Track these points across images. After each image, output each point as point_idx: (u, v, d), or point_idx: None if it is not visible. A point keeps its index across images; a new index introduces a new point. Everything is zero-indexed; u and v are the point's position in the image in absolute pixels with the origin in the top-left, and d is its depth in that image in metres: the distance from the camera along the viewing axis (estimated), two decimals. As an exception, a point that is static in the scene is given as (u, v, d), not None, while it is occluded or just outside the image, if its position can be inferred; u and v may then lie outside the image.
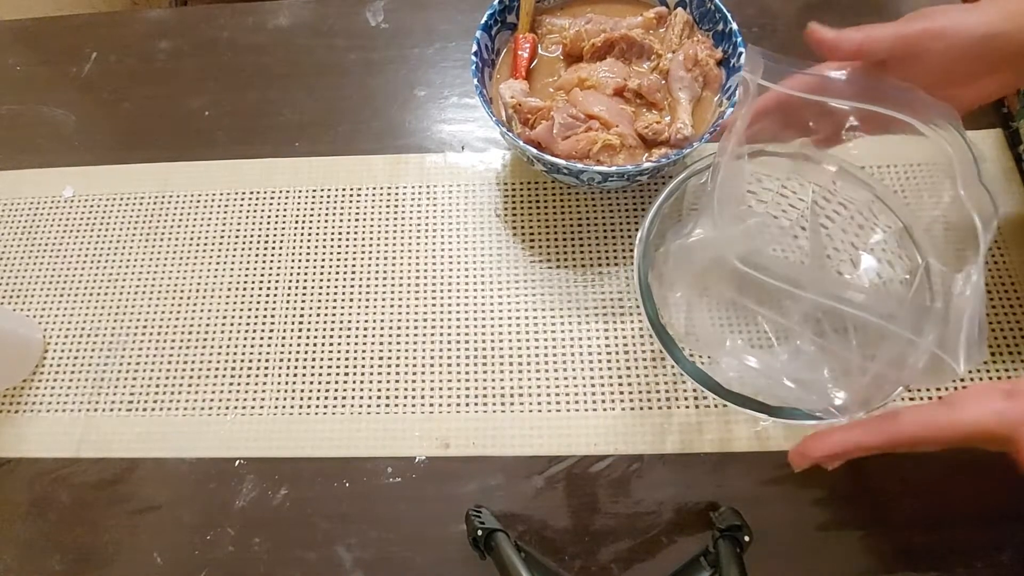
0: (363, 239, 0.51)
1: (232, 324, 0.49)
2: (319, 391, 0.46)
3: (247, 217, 0.52)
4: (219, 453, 0.45)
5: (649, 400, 0.44)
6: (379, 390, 0.46)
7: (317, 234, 0.51)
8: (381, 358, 0.47)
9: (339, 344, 0.47)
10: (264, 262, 0.51)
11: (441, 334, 0.47)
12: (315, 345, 0.48)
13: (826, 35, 0.34)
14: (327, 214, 0.52)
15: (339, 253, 0.51)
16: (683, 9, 0.48)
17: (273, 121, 0.57)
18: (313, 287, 0.49)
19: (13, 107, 0.59)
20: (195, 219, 0.53)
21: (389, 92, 0.57)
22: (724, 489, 0.42)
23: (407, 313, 0.48)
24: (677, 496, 0.42)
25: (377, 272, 0.50)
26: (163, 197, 0.54)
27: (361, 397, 0.46)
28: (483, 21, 0.47)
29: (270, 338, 0.48)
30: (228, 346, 0.48)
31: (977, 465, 0.41)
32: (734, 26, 0.45)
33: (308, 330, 0.48)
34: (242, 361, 0.47)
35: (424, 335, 0.47)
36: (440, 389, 0.46)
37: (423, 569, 0.42)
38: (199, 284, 0.50)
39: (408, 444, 0.44)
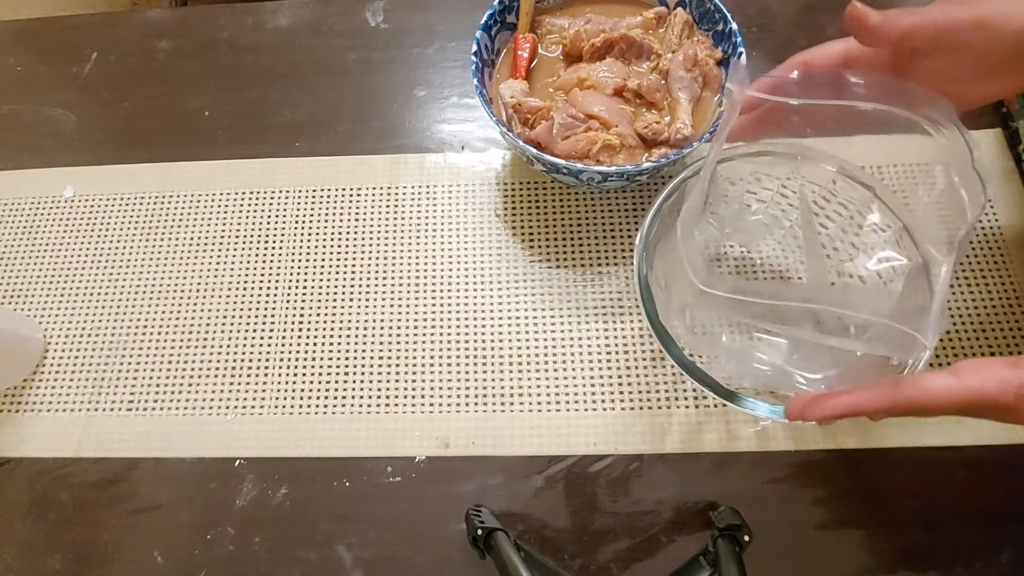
0: (363, 239, 0.51)
1: (232, 324, 0.49)
2: (319, 391, 0.46)
3: (247, 217, 0.53)
4: (219, 453, 0.45)
5: (649, 400, 0.44)
6: (379, 390, 0.46)
7: (317, 234, 0.51)
8: (381, 358, 0.47)
9: (339, 344, 0.47)
10: (264, 262, 0.51)
11: (441, 334, 0.47)
12: (315, 345, 0.48)
13: (871, 19, 0.32)
14: (327, 214, 0.52)
15: (339, 253, 0.51)
16: (683, 9, 0.48)
17: (273, 121, 0.57)
18: (313, 287, 0.50)
19: (13, 107, 0.59)
20: (195, 219, 0.53)
21: (389, 92, 0.57)
22: (724, 489, 0.42)
23: (407, 313, 0.48)
24: (677, 495, 0.42)
25: (377, 272, 0.50)
26: (163, 197, 0.54)
27: (361, 397, 0.46)
28: (483, 21, 0.47)
29: (270, 338, 0.48)
30: (228, 346, 0.48)
31: (977, 465, 0.42)
32: (734, 26, 0.45)
33: (308, 330, 0.48)
34: (242, 361, 0.47)
35: (424, 335, 0.47)
36: (440, 389, 0.46)
37: (423, 569, 0.42)
38: (199, 284, 0.50)
39: (408, 444, 0.44)
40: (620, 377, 0.45)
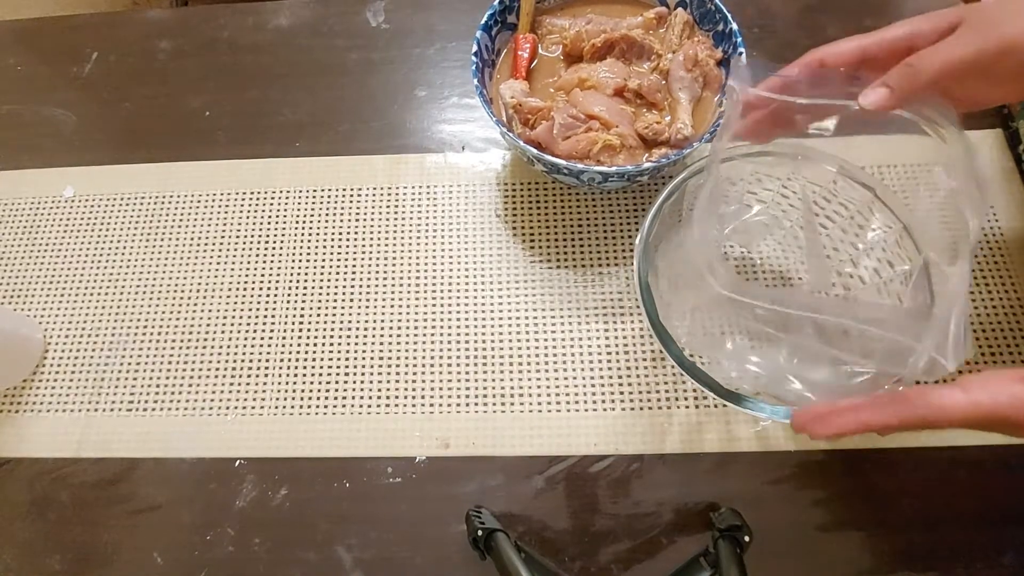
0: (363, 239, 0.51)
1: (232, 324, 0.49)
2: (319, 391, 0.46)
3: (247, 217, 0.52)
4: (219, 453, 0.45)
5: (649, 400, 0.44)
6: (379, 390, 0.46)
7: (317, 234, 0.51)
8: (381, 358, 0.47)
9: (339, 344, 0.47)
10: (264, 262, 0.51)
11: (441, 334, 0.47)
12: (315, 345, 0.48)
13: (892, 82, 0.32)
14: (327, 214, 0.52)
15: (339, 253, 0.51)
16: (683, 9, 0.48)
17: (273, 121, 0.57)
18: (313, 287, 0.50)
19: (13, 107, 0.59)
20: (195, 219, 0.53)
21: (389, 92, 0.57)
22: (724, 489, 0.42)
23: (407, 313, 0.48)
24: (677, 496, 0.42)
25: (377, 272, 0.50)
26: (163, 197, 0.54)
27: (361, 397, 0.46)
28: (483, 21, 0.47)
29: (270, 338, 0.48)
30: (228, 346, 0.48)
31: (978, 466, 0.42)
32: (734, 26, 0.45)
33: (308, 330, 0.48)
34: (242, 361, 0.47)
35: (424, 335, 0.47)
36: (440, 389, 0.46)
37: (423, 569, 0.42)
38: (199, 284, 0.50)
39: (408, 444, 0.44)
40: (620, 377, 0.45)
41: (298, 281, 0.50)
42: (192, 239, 0.52)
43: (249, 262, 0.51)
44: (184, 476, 0.45)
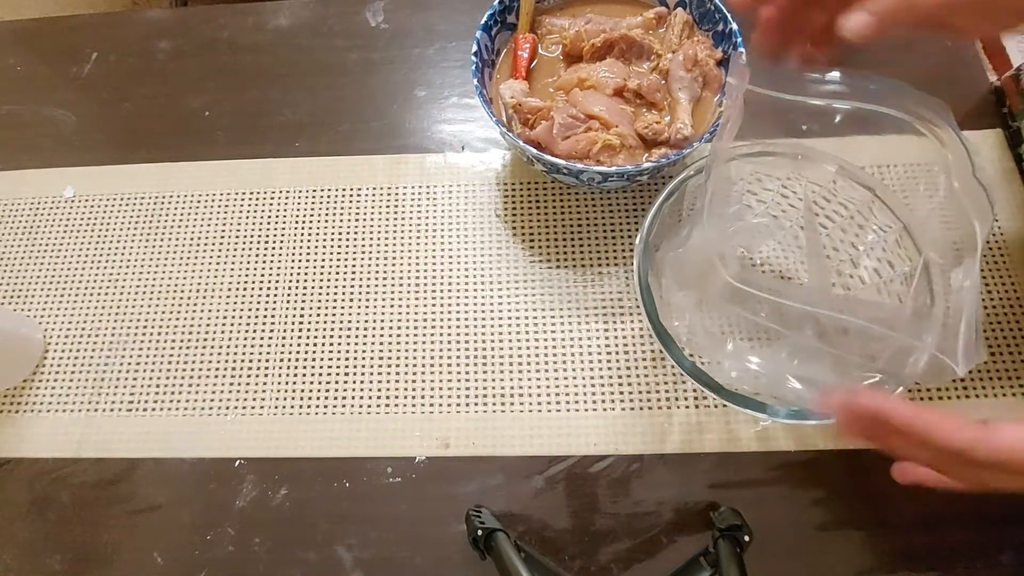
0: (363, 239, 0.51)
1: (232, 324, 0.49)
2: (319, 391, 0.46)
3: (247, 217, 0.52)
4: (219, 453, 0.45)
5: (649, 400, 0.44)
6: (379, 390, 0.46)
7: (317, 234, 0.51)
8: (381, 358, 0.47)
9: (339, 344, 0.47)
10: (264, 262, 0.51)
11: (441, 334, 0.47)
12: (315, 345, 0.48)
13: (879, 8, 0.30)
14: (327, 214, 0.52)
15: (339, 253, 0.51)
16: (683, 9, 0.48)
17: (273, 121, 0.57)
18: (313, 287, 0.50)
19: (13, 107, 0.59)
20: (195, 219, 0.53)
21: (389, 92, 0.57)
22: (724, 489, 0.42)
23: (407, 313, 0.48)
24: (677, 496, 0.42)
25: (377, 272, 0.50)
26: (163, 197, 0.54)
27: (361, 397, 0.46)
28: (483, 21, 0.47)
29: (270, 338, 0.48)
30: (228, 346, 0.48)
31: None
32: (734, 26, 0.45)
33: (308, 330, 0.48)
34: (242, 361, 0.47)
35: (424, 335, 0.47)
36: (440, 389, 0.46)
37: (423, 569, 0.42)
38: (199, 284, 0.50)
39: (408, 444, 0.44)
40: (620, 377, 0.45)
41: (298, 281, 0.50)
42: (192, 239, 0.52)
43: (249, 262, 0.51)
44: (184, 476, 0.45)
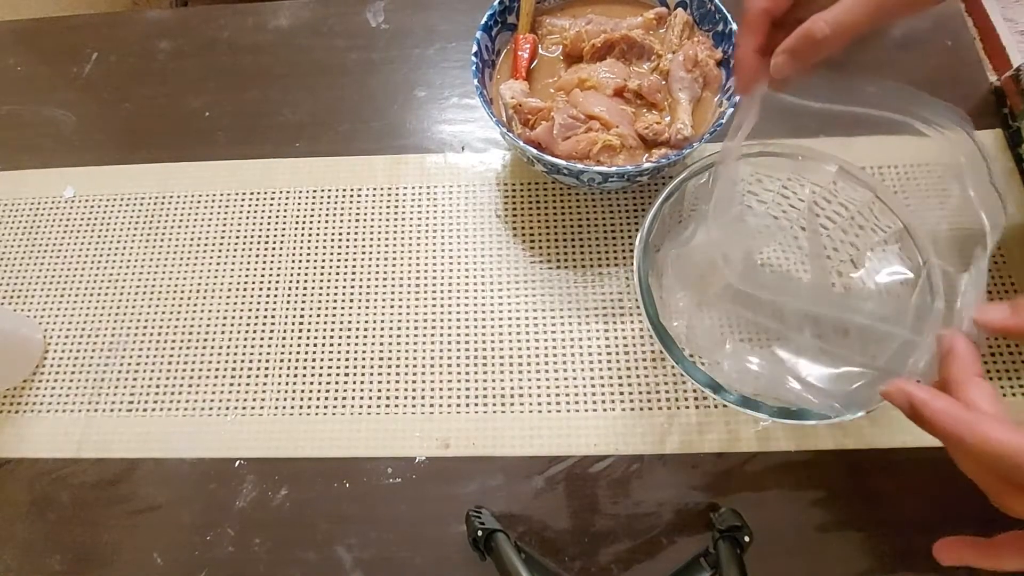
0: (363, 240, 0.51)
1: (232, 324, 0.49)
2: (319, 391, 0.46)
3: (247, 217, 0.52)
4: (219, 453, 0.45)
5: (649, 400, 0.44)
6: (379, 390, 0.46)
7: (317, 235, 0.51)
8: (381, 358, 0.47)
9: (339, 344, 0.47)
10: (264, 263, 0.51)
11: (441, 334, 0.47)
12: (315, 345, 0.48)
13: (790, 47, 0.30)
14: (327, 215, 0.52)
15: (339, 254, 0.51)
16: (683, 10, 0.48)
17: (273, 121, 0.57)
18: (313, 287, 0.50)
19: (13, 107, 0.59)
20: (195, 219, 0.53)
21: (389, 92, 0.57)
22: (724, 489, 0.42)
23: (407, 313, 0.48)
24: (677, 496, 0.42)
25: (377, 272, 0.50)
26: (163, 197, 0.54)
27: (361, 397, 0.46)
28: (483, 22, 0.47)
29: (270, 338, 0.48)
30: (228, 346, 0.48)
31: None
32: (734, 27, 0.45)
33: (308, 330, 0.48)
34: (242, 361, 0.47)
35: (424, 335, 0.47)
36: (440, 389, 0.46)
37: (423, 569, 0.42)
38: (199, 284, 0.50)
39: (408, 444, 0.44)
40: (620, 378, 0.45)
41: (298, 281, 0.50)
42: (192, 239, 0.52)
43: (249, 262, 0.51)
44: (184, 476, 0.45)
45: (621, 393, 0.45)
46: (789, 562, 0.40)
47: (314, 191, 0.53)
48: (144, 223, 0.53)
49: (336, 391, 0.46)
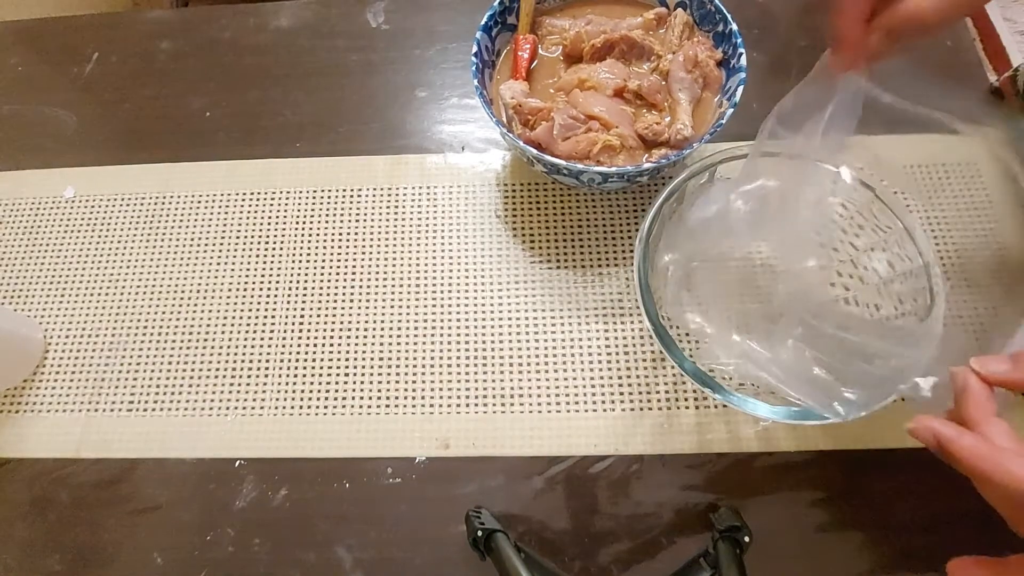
0: (363, 240, 0.51)
1: (232, 324, 0.49)
2: (319, 392, 0.46)
3: (248, 218, 0.53)
4: (219, 453, 0.45)
5: (649, 401, 0.44)
6: (379, 391, 0.46)
7: (317, 235, 0.51)
8: (381, 359, 0.47)
9: (339, 345, 0.47)
10: (264, 263, 0.51)
11: (441, 334, 0.47)
12: (315, 346, 0.48)
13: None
14: (327, 215, 0.52)
15: (339, 254, 0.51)
16: (683, 10, 0.48)
17: (273, 121, 0.57)
18: (313, 288, 0.50)
19: (14, 107, 0.59)
20: (196, 220, 0.53)
21: (390, 93, 0.57)
22: (724, 490, 0.42)
23: (407, 313, 0.48)
24: (677, 497, 0.42)
25: (377, 273, 0.50)
26: (164, 197, 0.54)
27: (361, 398, 0.46)
28: (483, 22, 0.47)
29: (270, 339, 0.48)
30: (228, 346, 0.48)
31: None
32: (734, 27, 0.45)
33: (308, 331, 0.48)
34: (242, 362, 0.47)
35: (424, 335, 0.47)
36: (440, 390, 0.46)
37: (423, 569, 0.42)
38: (200, 284, 0.50)
39: (408, 445, 0.44)
40: (621, 378, 0.45)
41: (298, 281, 0.50)
42: (192, 239, 0.52)
43: (249, 262, 0.51)
44: (184, 476, 0.45)
45: (621, 393, 0.45)
46: (789, 562, 0.40)
47: (314, 191, 0.53)
48: (144, 223, 0.53)
49: (336, 391, 0.46)
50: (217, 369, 0.47)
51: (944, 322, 0.36)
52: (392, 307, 0.48)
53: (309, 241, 0.51)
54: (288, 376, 0.47)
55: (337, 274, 0.50)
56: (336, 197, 0.53)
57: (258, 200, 0.53)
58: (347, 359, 0.47)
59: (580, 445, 0.43)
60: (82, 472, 0.45)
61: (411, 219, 0.51)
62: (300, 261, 0.51)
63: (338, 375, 0.47)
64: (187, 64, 0.60)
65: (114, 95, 0.59)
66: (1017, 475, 0.26)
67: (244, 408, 0.46)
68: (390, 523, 0.43)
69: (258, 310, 0.49)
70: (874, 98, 0.31)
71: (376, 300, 0.49)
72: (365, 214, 0.52)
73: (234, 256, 0.51)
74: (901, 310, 0.39)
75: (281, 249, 0.51)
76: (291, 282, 0.50)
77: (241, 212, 0.53)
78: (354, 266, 0.50)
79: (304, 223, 0.52)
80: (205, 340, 0.48)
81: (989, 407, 0.29)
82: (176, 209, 0.53)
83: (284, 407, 0.46)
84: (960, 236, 0.47)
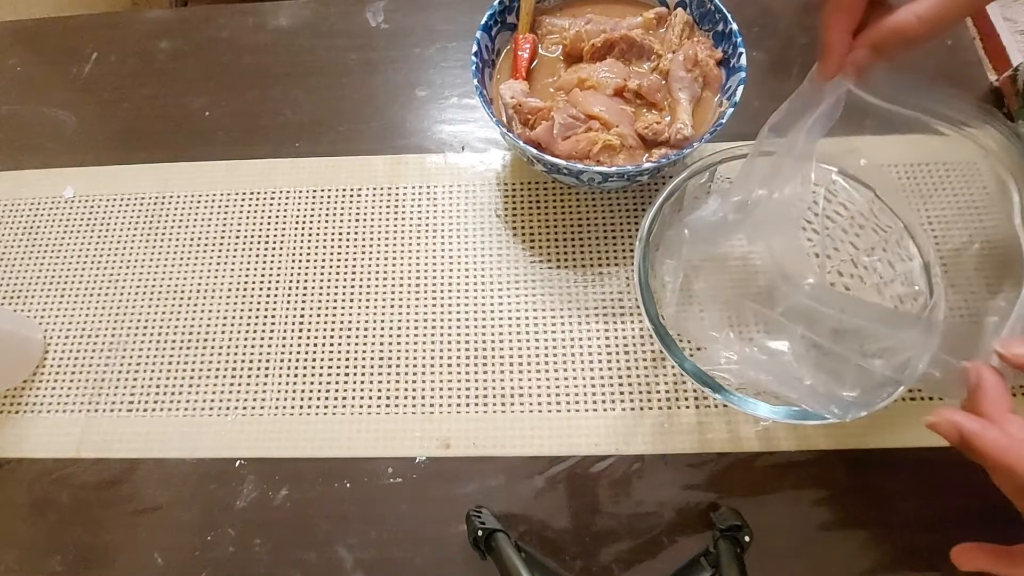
0: (363, 240, 0.51)
1: (232, 324, 0.49)
2: (319, 392, 0.46)
3: (247, 217, 0.52)
4: (219, 453, 0.45)
5: (650, 400, 0.44)
6: (379, 390, 0.46)
7: (317, 235, 0.51)
8: (381, 358, 0.47)
9: (339, 344, 0.47)
10: (264, 263, 0.51)
11: (441, 334, 0.47)
12: (315, 345, 0.48)
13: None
14: (327, 214, 0.52)
15: (339, 254, 0.51)
16: (683, 9, 0.48)
17: (273, 121, 0.57)
18: (313, 288, 0.49)
19: (13, 107, 0.59)
20: (195, 219, 0.53)
21: (389, 92, 0.57)
22: (724, 489, 0.42)
23: (407, 313, 0.48)
24: (678, 496, 0.42)
25: (377, 272, 0.50)
26: (163, 197, 0.54)
27: (361, 397, 0.46)
28: (483, 21, 0.47)
29: (270, 338, 0.48)
30: (228, 346, 0.48)
31: (979, 465, 0.41)
32: (734, 26, 0.45)
33: (308, 330, 0.48)
34: (242, 362, 0.47)
35: (424, 335, 0.47)
36: (441, 389, 0.46)
37: (423, 570, 0.42)
38: (199, 284, 0.50)
39: (409, 444, 0.44)
40: (621, 378, 0.45)
41: (298, 281, 0.50)
42: (192, 239, 0.52)
43: (249, 262, 0.51)
44: (184, 476, 0.45)
45: (621, 393, 0.45)
46: (789, 562, 0.40)
47: (314, 191, 0.53)
48: (144, 223, 0.53)
49: (336, 391, 0.46)
50: (217, 369, 0.47)
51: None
52: (392, 307, 0.48)
53: (309, 241, 0.51)
54: (288, 376, 0.47)
55: (337, 274, 0.50)
56: (336, 197, 0.53)
57: (258, 200, 0.53)
58: (347, 359, 0.47)
59: (581, 445, 0.43)
60: (82, 472, 0.45)
61: (411, 219, 0.51)
62: (300, 261, 0.51)
63: (338, 375, 0.46)
64: (186, 64, 0.60)
65: (113, 95, 0.59)
66: None
67: (244, 408, 0.46)
68: (391, 523, 0.43)
69: (258, 310, 0.49)
70: (867, 101, 0.31)
71: (376, 300, 0.49)
72: (365, 214, 0.52)
73: (234, 256, 0.51)
74: (901, 310, 0.39)
75: (281, 249, 0.51)
76: (291, 282, 0.50)
77: (241, 212, 0.53)
78: (354, 266, 0.50)
79: (304, 223, 0.52)
80: (205, 340, 0.48)
81: (1004, 403, 0.29)
82: (176, 209, 0.53)
83: (284, 407, 0.46)
84: (959, 236, 0.47)
